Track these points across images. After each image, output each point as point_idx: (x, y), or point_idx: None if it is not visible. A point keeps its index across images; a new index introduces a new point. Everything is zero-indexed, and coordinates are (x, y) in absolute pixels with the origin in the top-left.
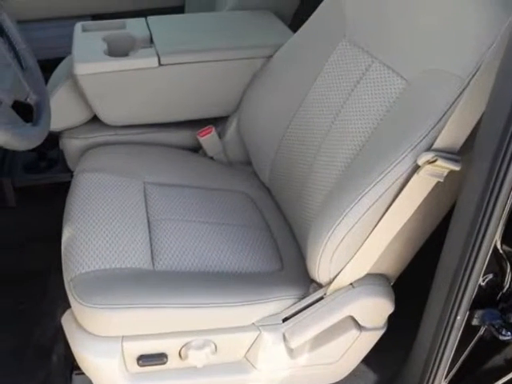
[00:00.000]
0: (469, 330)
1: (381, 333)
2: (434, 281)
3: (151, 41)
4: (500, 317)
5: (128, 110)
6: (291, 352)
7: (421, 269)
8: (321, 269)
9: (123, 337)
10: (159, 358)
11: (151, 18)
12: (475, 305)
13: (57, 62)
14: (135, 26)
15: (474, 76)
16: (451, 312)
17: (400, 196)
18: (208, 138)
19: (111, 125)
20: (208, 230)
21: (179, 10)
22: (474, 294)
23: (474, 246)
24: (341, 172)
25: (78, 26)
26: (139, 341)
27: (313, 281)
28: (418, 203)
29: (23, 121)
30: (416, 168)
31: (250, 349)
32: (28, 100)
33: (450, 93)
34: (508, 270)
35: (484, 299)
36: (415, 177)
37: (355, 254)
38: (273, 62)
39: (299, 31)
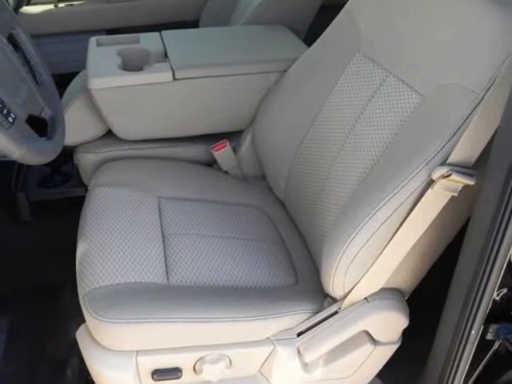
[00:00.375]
0: (483, 345)
1: (395, 347)
2: (449, 295)
3: (165, 55)
4: None
5: (142, 124)
6: (306, 366)
7: (435, 283)
8: (335, 283)
9: (138, 351)
10: (174, 372)
11: (165, 33)
12: (490, 319)
13: (71, 76)
14: (149, 41)
15: (488, 90)
16: (466, 326)
17: (414, 210)
18: (222, 153)
19: (125, 139)
20: (222, 244)
21: (193, 24)
22: (489, 308)
23: (488, 260)
24: (355, 186)
25: (93, 40)
26: (154, 355)
27: (327, 295)
28: (432, 217)
29: (38, 135)
30: (430, 182)
31: (264, 363)
32: (42, 114)
33: (465, 107)
34: None
35: (498, 314)
36: (429, 191)
37: (370, 268)
38: (287, 77)
39: (313, 45)
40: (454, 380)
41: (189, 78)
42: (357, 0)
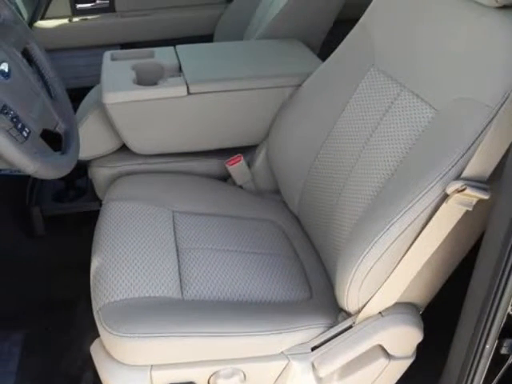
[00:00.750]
0: (497, 359)
1: (410, 361)
2: (463, 309)
3: (180, 69)
4: None
5: (157, 138)
6: (320, 381)
7: (449, 297)
8: (349, 297)
9: (152, 365)
10: None
11: (180, 47)
12: (504, 334)
13: (85, 90)
14: (164, 55)
15: (502, 105)
16: (480, 341)
17: (429, 225)
18: (237, 167)
19: (140, 153)
20: (237, 258)
21: (208, 38)
22: (503, 322)
23: (502, 274)
24: (369, 200)
25: (107, 54)
26: (168, 369)
27: (341, 309)
28: (446, 232)
29: (52, 150)
30: (445, 197)
31: (278, 377)
32: (57, 129)
33: (479, 122)
34: None
35: None
36: (444, 205)
37: (384, 282)
38: (301, 91)
39: (328, 60)
40: None
41: (203, 93)
42: (371, 14)
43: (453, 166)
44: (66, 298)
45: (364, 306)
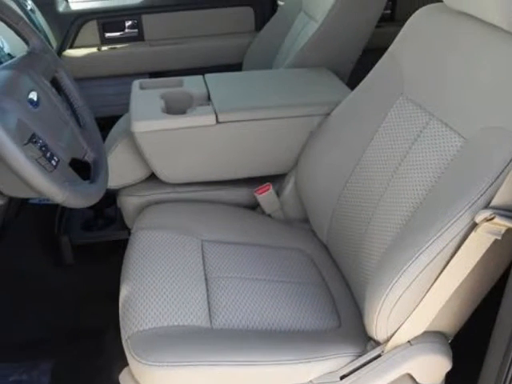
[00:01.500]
0: None
1: None
2: (492, 338)
3: (209, 98)
4: None
5: (185, 167)
6: None
7: (478, 325)
8: (378, 326)
9: None
10: None
11: (209, 76)
12: None
13: (114, 119)
14: (193, 84)
15: None
16: (509, 370)
17: (458, 253)
18: (266, 196)
19: (168, 182)
20: (265, 287)
21: (237, 67)
22: None
23: None
24: (398, 229)
25: (136, 83)
26: None
27: (370, 338)
28: (475, 260)
29: (81, 179)
30: (473, 226)
31: None
32: (86, 158)
33: (508, 150)
34: None
35: None
36: (473, 234)
37: (413, 311)
38: (330, 120)
39: (357, 89)
40: None
41: (232, 122)
42: (400, 43)
43: (482, 195)
44: (95, 327)
45: (393, 334)
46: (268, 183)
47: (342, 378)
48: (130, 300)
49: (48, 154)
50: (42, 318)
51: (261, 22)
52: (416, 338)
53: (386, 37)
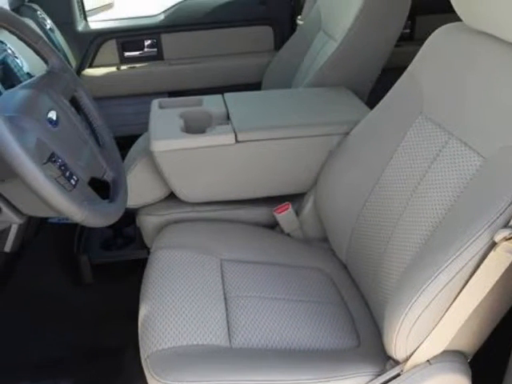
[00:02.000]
0: None
1: None
2: (511, 357)
3: (228, 117)
4: None
5: (205, 186)
6: None
7: (497, 344)
8: (397, 345)
9: None
10: None
11: (228, 95)
12: None
13: (133, 138)
14: (212, 103)
15: None
16: None
17: (477, 273)
18: (285, 215)
19: (188, 202)
20: (284, 306)
21: (256, 86)
22: None
23: None
24: (417, 248)
25: (155, 102)
26: None
27: (389, 357)
28: (494, 280)
29: (100, 198)
30: (493, 245)
31: None
32: (105, 177)
33: None
34: None
35: None
36: (492, 253)
37: (432, 330)
38: (349, 139)
39: (376, 108)
40: None
41: (251, 141)
42: (419, 62)
43: (501, 214)
44: (114, 346)
45: (412, 353)
46: (287, 202)
47: None
48: (149, 319)
49: (67, 173)
50: (61, 337)
51: (280, 41)
52: (435, 357)
53: (405, 56)
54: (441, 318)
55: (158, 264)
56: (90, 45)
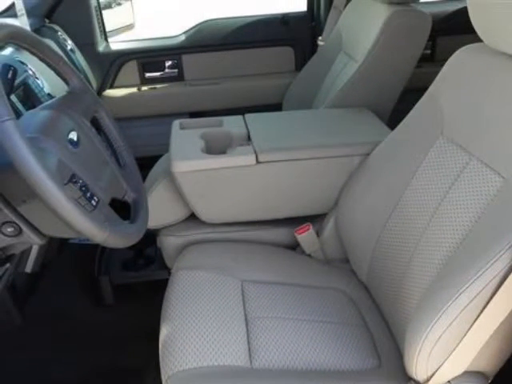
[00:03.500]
0: None
1: None
2: None
3: (249, 138)
4: None
5: (225, 207)
6: None
7: None
8: (418, 366)
9: None
10: None
11: (249, 116)
12: None
13: (154, 159)
14: (233, 124)
15: None
16: None
17: (498, 293)
18: (306, 236)
19: (208, 222)
20: (305, 327)
21: (277, 107)
22: None
23: None
24: (438, 269)
25: (176, 123)
26: None
27: (410, 378)
28: None
29: (121, 218)
30: None
31: None
32: (125, 198)
33: None
34: None
35: None
36: None
37: (453, 351)
38: (370, 160)
39: (397, 129)
40: None
41: (272, 162)
42: (440, 83)
43: None
44: (135, 367)
45: (433, 374)
46: (308, 223)
47: None
48: (170, 340)
49: (88, 194)
50: (81, 358)
51: (301, 61)
52: (456, 377)
53: (425, 77)
54: (461, 339)
55: (178, 285)
56: (110, 65)
